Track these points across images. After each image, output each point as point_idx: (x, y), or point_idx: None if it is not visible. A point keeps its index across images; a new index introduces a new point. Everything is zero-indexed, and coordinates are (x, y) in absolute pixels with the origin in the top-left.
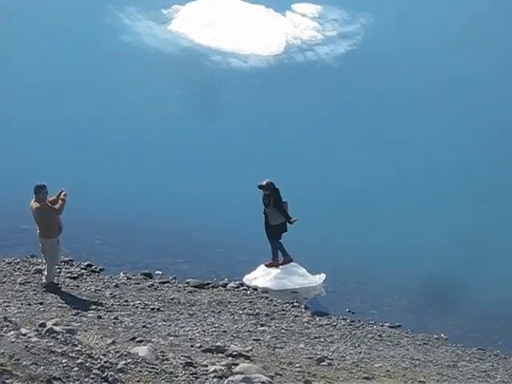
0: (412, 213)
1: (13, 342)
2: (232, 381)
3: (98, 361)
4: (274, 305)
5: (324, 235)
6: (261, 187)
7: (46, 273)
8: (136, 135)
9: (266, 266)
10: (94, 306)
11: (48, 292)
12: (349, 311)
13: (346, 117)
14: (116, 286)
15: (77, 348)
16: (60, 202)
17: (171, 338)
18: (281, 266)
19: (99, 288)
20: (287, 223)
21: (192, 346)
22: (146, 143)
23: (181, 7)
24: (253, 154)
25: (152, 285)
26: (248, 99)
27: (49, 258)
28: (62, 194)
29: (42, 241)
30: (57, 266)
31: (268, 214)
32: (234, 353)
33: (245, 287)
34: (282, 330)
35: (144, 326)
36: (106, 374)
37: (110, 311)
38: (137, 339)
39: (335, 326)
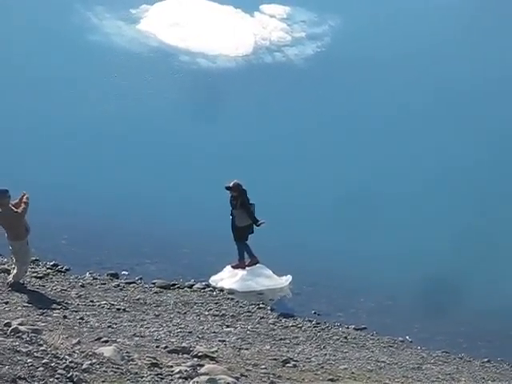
0: (382, 216)
1: None
2: (197, 382)
3: (63, 361)
4: (240, 306)
5: (290, 238)
6: (228, 188)
7: (14, 271)
8: (100, 135)
9: (233, 267)
10: (59, 306)
11: (13, 291)
12: (315, 313)
13: (315, 118)
14: (82, 286)
15: (42, 348)
16: (23, 205)
17: (137, 338)
18: (247, 268)
19: (65, 288)
20: (253, 226)
21: (157, 347)
22: (110, 143)
23: (149, 7)
24: (219, 153)
25: (118, 285)
26: (216, 100)
27: (19, 259)
28: (25, 197)
29: (11, 243)
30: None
31: (235, 215)
32: (200, 354)
33: (211, 288)
34: (248, 332)
35: (110, 327)
36: (71, 374)
37: (76, 311)
38: (102, 339)
39: (301, 327)
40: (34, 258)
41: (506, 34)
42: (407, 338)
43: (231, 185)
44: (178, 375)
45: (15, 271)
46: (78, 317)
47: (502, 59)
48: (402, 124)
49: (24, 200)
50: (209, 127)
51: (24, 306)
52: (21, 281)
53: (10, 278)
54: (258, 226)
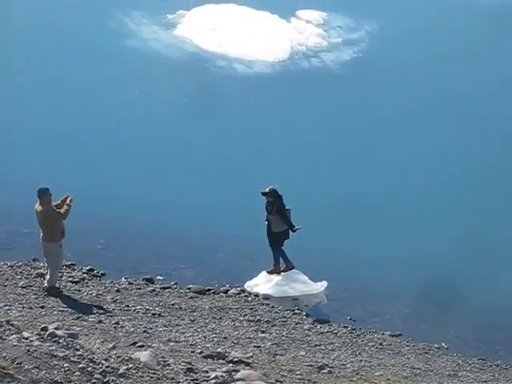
0: (414, 221)
1: (15, 346)
2: None
3: (100, 365)
4: (275, 312)
5: (326, 243)
6: (264, 194)
7: (48, 277)
8: (137, 140)
9: (268, 272)
10: (95, 311)
11: (49, 296)
12: (350, 319)
13: (351, 123)
14: (117, 290)
15: (78, 352)
16: (65, 206)
17: (172, 343)
18: (282, 273)
19: (100, 292)
20: (288, 232)
21: (193, 352)
22: (148, 149)
23: (186, 12)
24: (256, 159)
25: (153, 290)
26: (252, 105)
27: (51, 262)
28: (68, 199)
29: (45, 244)
30: (59, 270)
31: (271, 220)
32: (235, 359)
33: (246, 294)
34: (283, 337)
35: (145, 331)
36: (107, 378)
37: (111, 316)
38: (138, 344)
39: (336, 333)
40: (69, 263)
41: None
42: (443, 344)
43: (267, 190)
44: (213, 381)
45: (48, 276)
46: (113, 321)
47: None
48: (437, 128)
49: (67, 202)
50: (242, 132)
51: (60, 311)
52: (57, 285)
53: (45, 284)
54: (293, 231)
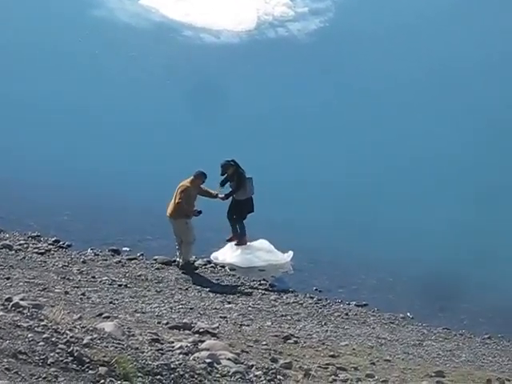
0: (382, 193)
1: None
2: (197, 357)
3: (64, 336)
4: (242, 282)
5: (293, 214)
6: (223, 173)
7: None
8: (106, 112)
9: (236, 245)
10: (61, 282)
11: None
12: (316, 290)
13: (316, 93)
14: (83, 262)
15: (43, 323)
16: (194, 211)
17: (138, 314)
18: (248, 243)
19: (66, 264)
20: (253, 203)
21: (159, 323)
22: (114, 121)
23: None
24: (221, 129)
25: (119, 261)
26: (219, 75)
27: (183, 239)
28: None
29: (170, 220)
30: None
31: (233, 189)
32: (201, 330)
33: (212, 265)
34: (249, 308)
35: (111, 303)
36: (71, 348)
37: (77, 287)
38: (103, 315)
39: (302, 304)
40: (35, 234)
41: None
42: (408, 314)
43: (221, 169)
44: (178, 351)
45: (182, 251)
46: (79, 293)
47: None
48: (402, 100)
49: (214, 193)
50: (209, 103)
51: (26, 282)
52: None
53: (180, 260)
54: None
